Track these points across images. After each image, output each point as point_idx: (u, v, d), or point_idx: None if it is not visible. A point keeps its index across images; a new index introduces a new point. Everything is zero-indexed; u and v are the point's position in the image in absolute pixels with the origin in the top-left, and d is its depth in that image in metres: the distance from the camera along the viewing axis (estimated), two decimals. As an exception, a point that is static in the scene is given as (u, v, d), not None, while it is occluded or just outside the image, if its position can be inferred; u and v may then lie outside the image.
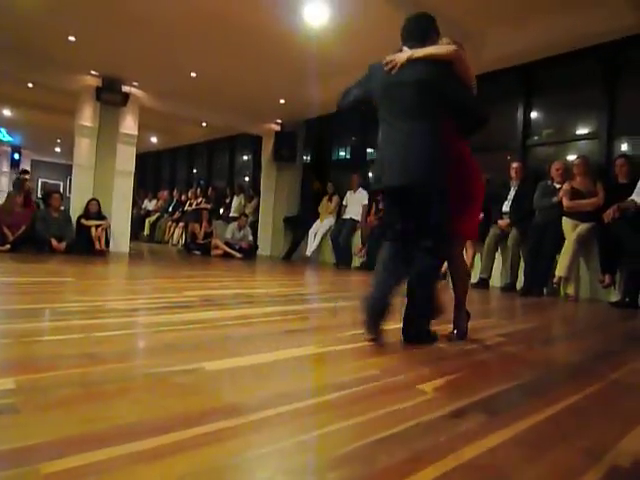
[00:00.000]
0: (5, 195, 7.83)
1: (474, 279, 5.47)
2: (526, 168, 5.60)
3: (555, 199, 4.90)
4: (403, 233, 2.27)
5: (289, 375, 1.70)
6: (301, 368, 1.80)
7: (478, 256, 5.59)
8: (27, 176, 9.68)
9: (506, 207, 5.38)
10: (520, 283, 5.03)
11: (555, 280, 4.67)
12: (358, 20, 5.02)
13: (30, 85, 7.65)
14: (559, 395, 1.58)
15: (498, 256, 5.43)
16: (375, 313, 2.15)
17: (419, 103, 2.17)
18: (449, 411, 1.36)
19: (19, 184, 7.65)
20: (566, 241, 4.67)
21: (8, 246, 5.99)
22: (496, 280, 5.44)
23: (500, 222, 5.34)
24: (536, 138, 6.01)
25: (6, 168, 16.78)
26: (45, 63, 6.77)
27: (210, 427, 1.15)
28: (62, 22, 5.56)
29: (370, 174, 8.37)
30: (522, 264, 5.10)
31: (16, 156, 16.62)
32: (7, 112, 11.02)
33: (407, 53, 2.19)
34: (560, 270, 4.62)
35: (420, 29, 2.29)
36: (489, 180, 5.85)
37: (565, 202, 4.78)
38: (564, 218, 4.80)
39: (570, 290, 4.66)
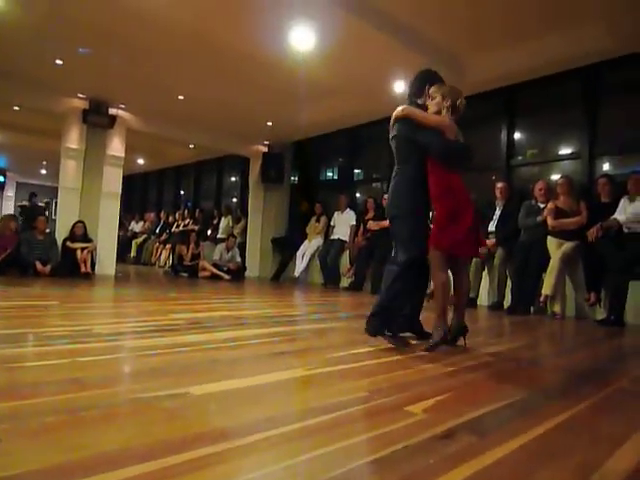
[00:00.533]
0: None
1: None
2: (511, 188, 5.69)
3: (539, 218, 4.98)
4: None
5: (277, 398, 1.68)
6: (289, 391, 1.79)
7: (465, 275, 5.62)
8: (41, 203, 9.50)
9: (492, 227, 5.45)
10: (507, 302, 5.06)
11: (541, 298, 4.70)
12: (343, 44, 5.13)
13: (16, 108, 7.63)
14: (548, 414, 1.58)
15: (485, 275, 5.47)
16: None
17: (401, 153, 2.80)
18: (438, 432, 1.35)
19: (39, 209, 7.59)
20: (551, 260, 4.72)
21: (-8, 269, 5.91)
22: (483, 299, 5.47)
23: (486, 242, 5.39)
24: (520, 158, 6.14)
25: (-9, 190, 16.63)
26: (32, 86, 6.78)
27: (197, 453, 1.13)
28: (49, 46, 5.59)
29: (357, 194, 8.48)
30: (509, 283, 5.14)
31: (1, 179, 16.47)
32: (-9, 135, 10.98)
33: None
34: (546, 288, 4.66)
35: (415, 87, 2.89)
36: (474, 200, 5.94)
37: (549, 221, 4.85)
38: (549, 237, 4.86)
39: (556, 308, 4.69)
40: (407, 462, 1.15)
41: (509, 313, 4.80)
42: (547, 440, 1.36)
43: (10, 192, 17.06)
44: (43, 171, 15.70)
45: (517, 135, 6.24)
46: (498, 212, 5.49)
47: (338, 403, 1.58)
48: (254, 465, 1.11)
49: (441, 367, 2.23)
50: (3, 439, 1.15)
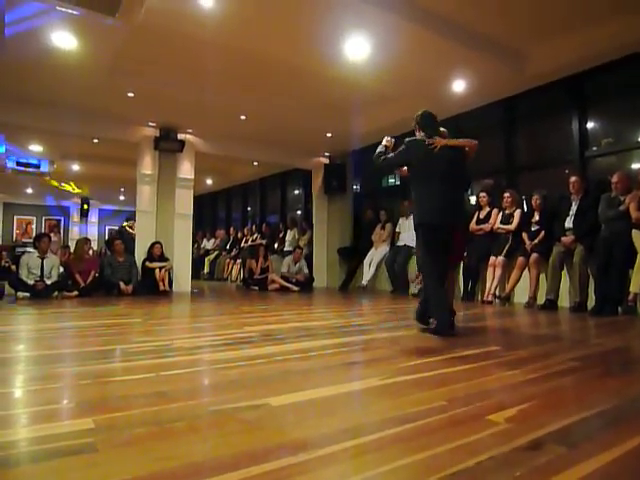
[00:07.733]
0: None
1: (540, 301, 5.23)
2: (586, 180, 5.37)
3: (622, 207, 4.64)
4: None
5: (352, 409, 1.68)
6: (364, 401, 1.78)
7: (543, 276, 5.35)
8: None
9: (569, 223, 5.16)
10: (591, 303, 4.76)
11: (630, 297, 4.38)
12: (397, 49, 5.11)
13: (95, 140, 8.22)
14: (645, 422, 1.47)
15: (564, 275, 5.18)
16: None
17: (450, 172, 3.37)
18: (524, 443, 1.29)
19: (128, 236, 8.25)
20: (639, 255, 4.39)
21: (76, 292, 6.35)
22: (564, 301, 5.17)
23: (564, 239, 5.11)
24: (595, 149, 5.78)
25: (77, 218, 17.96)
26: (108, 119, 7.28)
27: (277, 463, 1.15)
28: (121, 81, 5.99)
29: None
30: (592, 282, 4.83)
31: (85, 206, 17.74)
32: (76, 166, 11.88)
33: (444, 141, 3.40)
34: (635, 286, 4.34)
35: (435, 122, 3.59)
36: (546, 196, 5.66)
37: (633, 213, 4.51)
38: (634, 231, 4.52)
39: (648, 307, 4.35)
40: (492, 474, 1.11)
41: (594, 314, 4.49)
42: (646, 451, 1.26)
43: (94, 218, 18.33)
44: (122, 197, 16.75)
45: (590, 125, 5.88)
46: (575, 207, 5.19)
47: (416, 413, 1.55)
48: (334, 476, 1.12)
49: (521, 374, 2.13)
50: (100, 449, 1.24)
